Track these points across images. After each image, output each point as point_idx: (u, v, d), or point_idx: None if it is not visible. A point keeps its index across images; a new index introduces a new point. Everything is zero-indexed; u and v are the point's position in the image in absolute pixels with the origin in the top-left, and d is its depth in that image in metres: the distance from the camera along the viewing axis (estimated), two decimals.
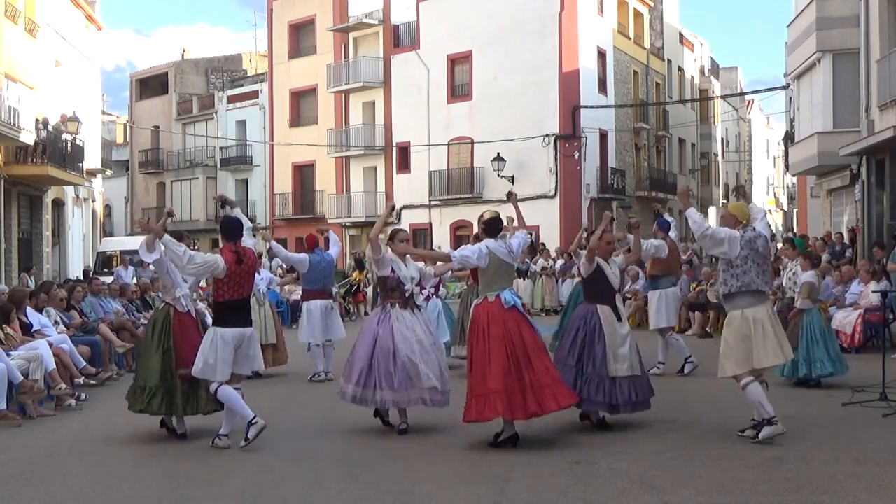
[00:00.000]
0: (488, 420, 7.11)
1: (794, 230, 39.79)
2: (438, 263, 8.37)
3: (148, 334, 8.05)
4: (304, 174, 39.83)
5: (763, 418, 7.08)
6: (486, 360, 7.12)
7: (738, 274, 7.18)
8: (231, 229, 7.55)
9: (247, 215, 32.24)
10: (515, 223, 8.03)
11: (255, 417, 7.19)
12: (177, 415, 7.76)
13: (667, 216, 11.79)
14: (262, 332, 11.57)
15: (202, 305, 16.08)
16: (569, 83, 31.85)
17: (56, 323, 11.36)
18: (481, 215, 7.78)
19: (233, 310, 7.42)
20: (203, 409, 7.70)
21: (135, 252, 21.43)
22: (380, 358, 7.64)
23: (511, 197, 8.27)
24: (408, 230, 12.51)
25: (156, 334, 7.80)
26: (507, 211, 8.29)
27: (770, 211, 65.67)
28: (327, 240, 12.15)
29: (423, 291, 8.35)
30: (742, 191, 9.24)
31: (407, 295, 7.84)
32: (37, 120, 22.55)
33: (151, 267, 7.70)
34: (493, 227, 7.53)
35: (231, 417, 7.36)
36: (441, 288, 12.22)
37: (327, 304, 11.56)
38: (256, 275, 11.69)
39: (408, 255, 8.08)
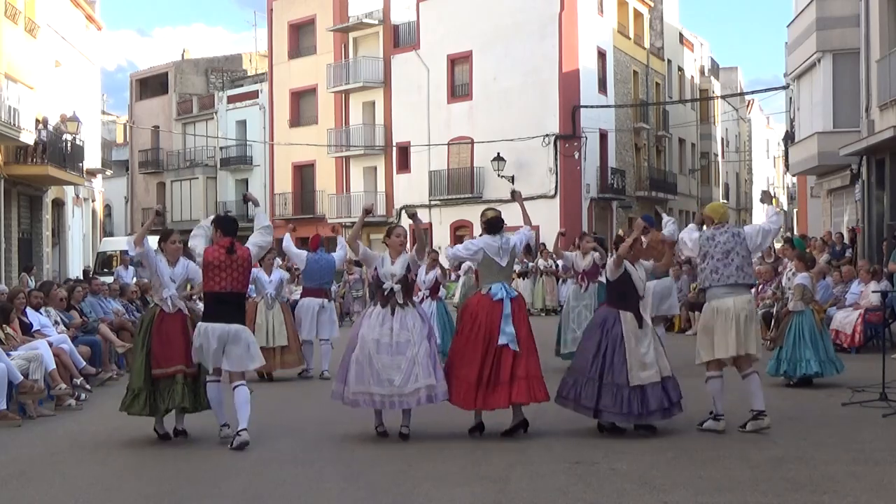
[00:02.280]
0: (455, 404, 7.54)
1: (794, 230, 39.77)
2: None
3: (136, 335, 8.16)
4: (304, 174, 39.84)
5: (715, 412, 7.58)
6: (465, 348, 7.50)
7: (704, 269, 7.68)
8: (226, 225, 7.57)
9: (246, 215, 32.23)
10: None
11: (226, 424, 7.53)
12: (158, 416, 7.69)
13: (665, 216, 11.70)
14: (270, 335, 11.51)
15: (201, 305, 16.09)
16: (569, 83, 31.85)
17: (56, 323, 11.35)
18: (483, 213, 7.87)
19: (215, 303, 7.40)
20: (178, 403, 7.57)
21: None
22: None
23: (515, 195, 8.26)
24: (408, 230, 12.58)
25: (140, 335, 7.81)
26: (508, 210, 8.29)
27: None
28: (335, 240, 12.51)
29: (419, 293, 8.35)
30: (767, 195, 9.25)
31: (386, 293, 7.62)
32: (37, 120, 22.54)
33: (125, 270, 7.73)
34: (493, 226, 7.73)
35: (244, 412, 7.31)
36: (441, 289, 12.24)
37: (320, 303, 11.76)
38: (265, 276, 11.83)
39: (407, 251, 7.92)
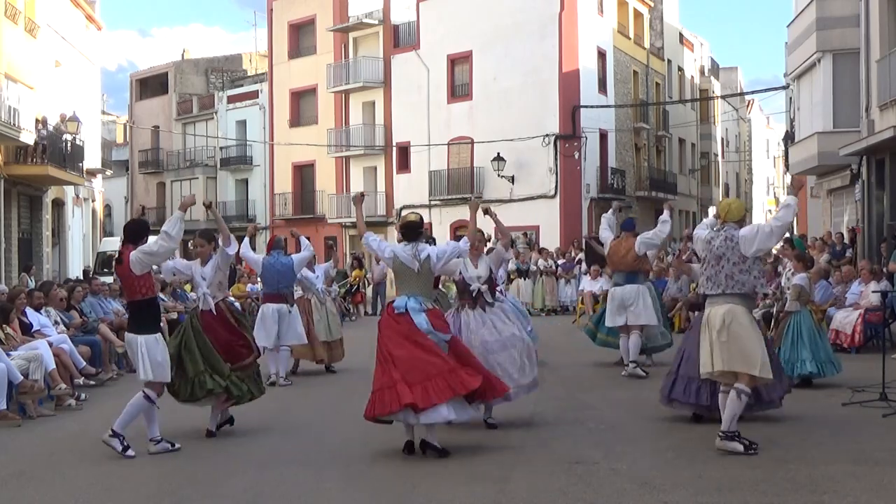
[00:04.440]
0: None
1: (794, 230, 39.75)
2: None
3: (177, 328, 8.45)
4: (304, 174, 39.83)
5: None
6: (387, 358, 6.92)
7: (703, 275, 7.12)
8: (125, 231, 7.46)
9: (246, 215, 32.05)
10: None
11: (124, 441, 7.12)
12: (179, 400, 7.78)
13: (665, 213, 11.68)
14: (326, 329, 12.01)
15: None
16: (569, 83, 31.84)
17: (56, 323, 11.36)
18: (404, 216, 7.53)
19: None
20: (200, 396, 7.66)
21: None
22: None
23: (487, 212, 7.99)
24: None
25: (179, 329, 8.12)
26: (508, 209, 8.25)
27: (770, 211, 65.80)
28: (298, 242, 11.90)
29: (498, 287, 8.63)
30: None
31: (474, 295, 7.86)
32: (37, 120, 22.54)
33: (154, 268, 7.68)
34: (408, 230, 7.26)
35: (123, 415, 7.18)
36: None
37: (281, 308, 11.22)
38: (310, 273, 12.06)
39: (484, 252, 8.03)
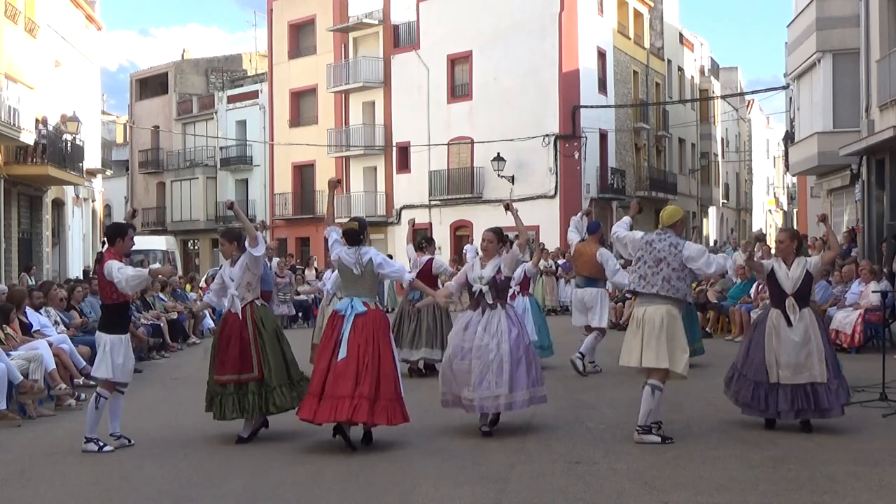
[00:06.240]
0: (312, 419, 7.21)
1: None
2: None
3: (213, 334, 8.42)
4: (304, 174, 39.84)
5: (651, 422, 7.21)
6: (317, 360, 7.37)
7: (635, 273, 7.42)
8: (110, 234, 7.66)
9: (246, 215, 32.23)
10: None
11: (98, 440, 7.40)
12: (245, 418, 7.68)
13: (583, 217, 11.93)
14: (320, 332, 11.83)
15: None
16: (569, 83, 31.86)
17: (56, 323, 11.37)
18: (344, 224, 7.65)
19: None
20: (227, 415, 7.58)
21: (135, 252, 21.49)
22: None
23: (509, 208, 8.08)
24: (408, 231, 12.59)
25: (213, 337, 8.10)
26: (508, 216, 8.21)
27: (770, 211, 65.81)
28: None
29: (511, 289, 8.59)
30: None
31: (476, 296, 7.75)
32: (37, 120, 22.53)
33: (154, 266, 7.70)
34: (349, 237, 7.51)
35: (92, 425, 7.42)
36: (531, 284, 12.48)
37: None
38: (313, 275, 12.00)
39: (498, 254, 7.84)
